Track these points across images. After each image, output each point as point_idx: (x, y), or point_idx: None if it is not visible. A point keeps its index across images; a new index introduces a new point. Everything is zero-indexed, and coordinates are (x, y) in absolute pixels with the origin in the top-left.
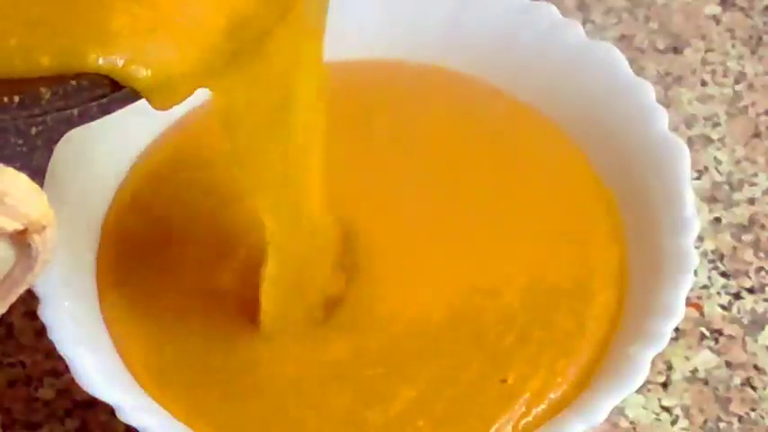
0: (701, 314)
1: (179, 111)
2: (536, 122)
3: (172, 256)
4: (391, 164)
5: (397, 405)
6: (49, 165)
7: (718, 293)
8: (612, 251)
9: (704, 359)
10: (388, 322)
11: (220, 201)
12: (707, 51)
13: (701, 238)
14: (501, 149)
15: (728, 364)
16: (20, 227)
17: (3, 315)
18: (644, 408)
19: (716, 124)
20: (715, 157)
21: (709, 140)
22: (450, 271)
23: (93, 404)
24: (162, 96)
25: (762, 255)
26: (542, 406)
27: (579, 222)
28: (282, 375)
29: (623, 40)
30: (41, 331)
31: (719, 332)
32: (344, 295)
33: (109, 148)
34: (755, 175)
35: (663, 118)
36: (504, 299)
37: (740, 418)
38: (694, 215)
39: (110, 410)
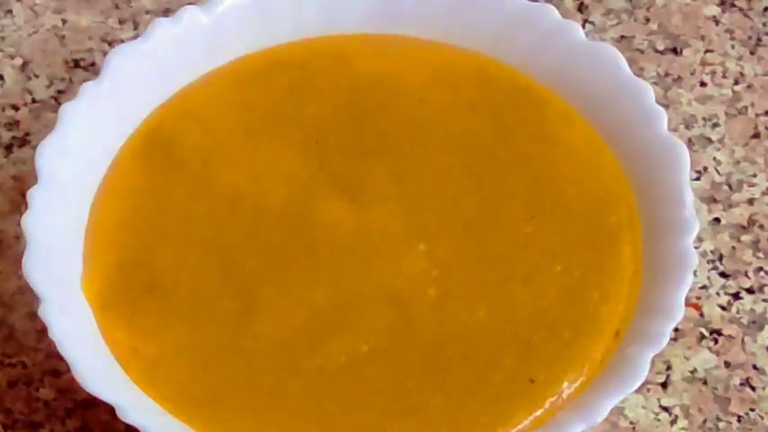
0: (701, 314)
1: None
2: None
3: (169, 252)
4: (404, 150)
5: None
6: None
7: (718, 294)
8: (628, 252)
9: (703, 359)
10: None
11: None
12: (706, 52)
13: (700, 239)
14: (522, 140)
15: (727, 365)
16: None
17: (4, 315)
18: (643, 407)
19: (715, 125)
20: (714, 158)
21: (708, 141)
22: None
23: (93, 404)
24: None
25: (761, 255)
26: (558, 405)
27: (602, 218)
28: (280, 380)
29: (623, 41)
30: (42, 332)
31: (719, 332)
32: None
33: (94, 141)
34: (754, 175)
35: (662, 118)
36: (539, 288)
37: (739, 418)
38: (694, 215)
39: (110, 410)
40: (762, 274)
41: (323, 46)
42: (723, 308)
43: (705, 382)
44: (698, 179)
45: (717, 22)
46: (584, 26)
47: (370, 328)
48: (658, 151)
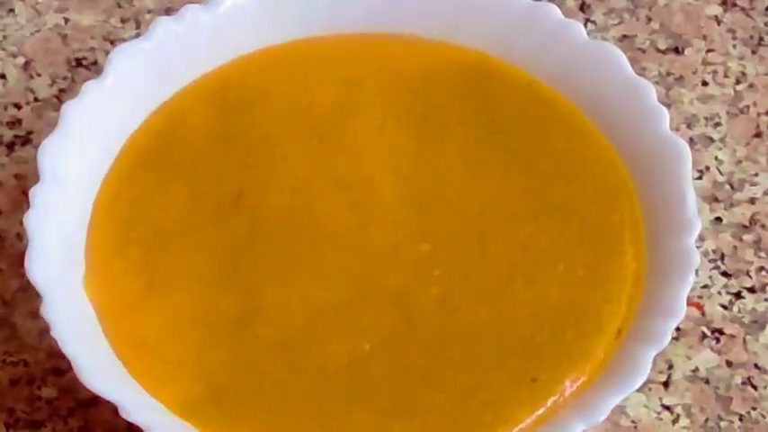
0: (702, 314)
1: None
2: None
3: (170, 252)
4: (405, 149)
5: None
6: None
7: (719, 293)
8: (630, 251)
9: (705, 358)
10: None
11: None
12: (708, 51)
13: (702, 238)
14: (524, 140)
15: (729, 364)
16: None
17: (6, 314)
18: (645, 407)
19: (717, 124)
20: (716, 157)
21: (710, 140)
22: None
23: (95, 402)
24: None
25: (762, 254)
26: (561, 404)
27: (605, 219)
28: (283, 378)
29: (625, 41)
30: (44, 330)
31: (720, 331)
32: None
33: (96, 140)
34: (756, 174)
35: (664, 118)
36: (542, 287)
37: (741, 417)
38: (696, 215)
39: (112, 408)
40: (763, 273)
41: (324, 45)
42: (725, 307)
43: (707, 382)
44: (700, 178)
45: (719, 22)
46: (585, 25)
47: (372, 328)
48: (660, 150)
